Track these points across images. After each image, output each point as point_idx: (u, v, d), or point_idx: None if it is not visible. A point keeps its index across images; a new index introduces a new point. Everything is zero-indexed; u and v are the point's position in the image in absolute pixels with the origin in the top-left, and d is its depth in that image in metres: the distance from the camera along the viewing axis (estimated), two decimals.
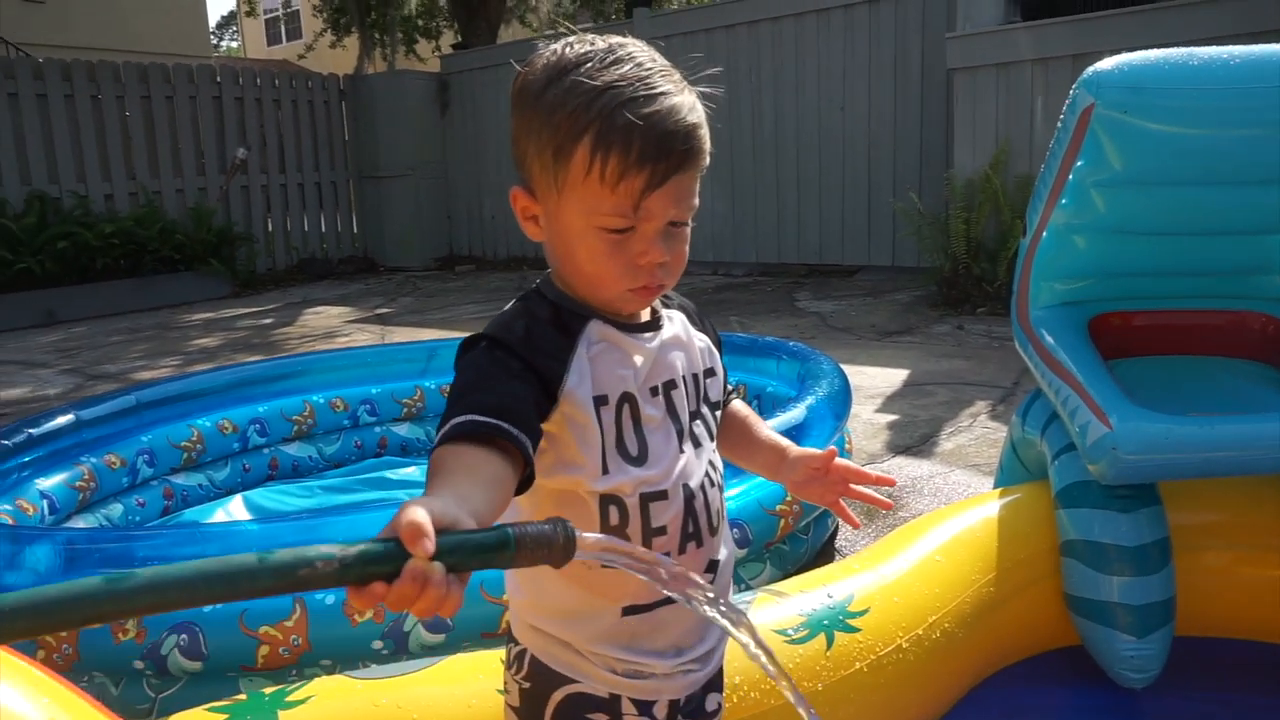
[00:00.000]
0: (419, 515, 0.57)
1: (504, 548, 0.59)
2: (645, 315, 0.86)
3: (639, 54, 0.78)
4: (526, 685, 0.87)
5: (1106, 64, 1.32)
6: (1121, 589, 1.41)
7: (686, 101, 0.77)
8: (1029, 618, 1.52)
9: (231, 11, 21.63)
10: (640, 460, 0.81)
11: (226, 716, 1.16)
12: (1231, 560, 1.52)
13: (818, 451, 0.95)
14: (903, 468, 2.75)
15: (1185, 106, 1.27)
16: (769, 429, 1.01)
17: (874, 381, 3.77)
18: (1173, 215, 1.52)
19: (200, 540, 1.94)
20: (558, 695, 0.85)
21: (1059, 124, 1.44)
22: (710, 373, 0.90)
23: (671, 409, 0.84)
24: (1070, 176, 1.46)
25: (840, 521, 2.29)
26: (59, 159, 7.42)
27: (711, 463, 0.88)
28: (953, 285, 5.33)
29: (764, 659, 0.70)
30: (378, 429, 3.24)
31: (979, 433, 3.03)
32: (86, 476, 2.51)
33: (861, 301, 5.78)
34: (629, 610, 0.83)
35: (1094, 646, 1.46)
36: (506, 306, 0.84)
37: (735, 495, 1.87)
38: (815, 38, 6.73)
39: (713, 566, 0.87)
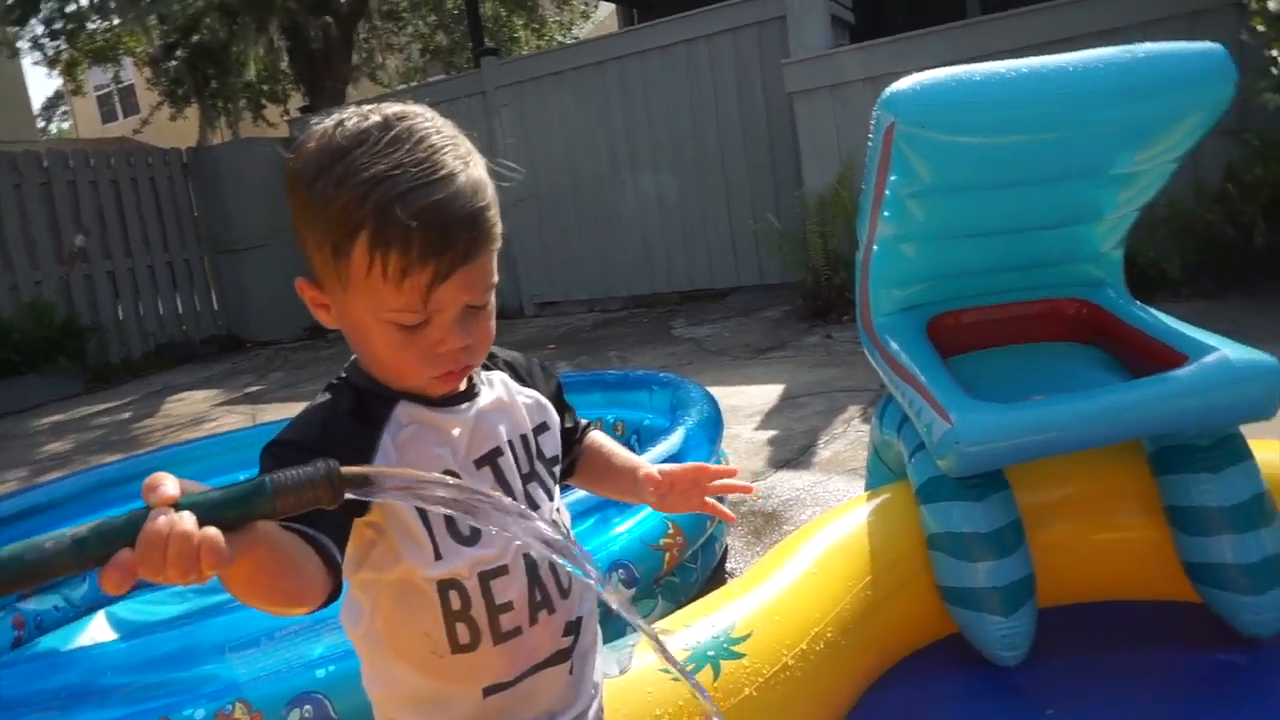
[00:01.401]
0: (158, 474, 0.55)
1: (259, 492, 0.56)
2: (462, 385, 0.84)
3: (420, 128, 0.73)
4: None
5: (901, 85, 1.41)
6: (985, 573, 1.48)
7: (470, 182, 0.73)
8: (908, 614, 1.57)
9: (59, 91, 20.48)
10: (473, 539, 0.79)
11: None
12: (1078, 529, 1.62)
13: (651, 472, 0.95)
14: (785, 481, 2.82)
15: (974, 119, 1.37)
16: (624, 454, 1.00)
17: (751, 400, 3.86)
18: (982, 217, 1.63)
19: (61, 668, 1.79)
20: None
21: (868, 143, 1.53)
22: (543, 428, 0.89)
23: (500, 479, 0.82)
24: (886, 191, 1.55)
25: (727, 545, 2.34)
26: None
27: (554, 523, 0.86)
28: (817, 297, 5.54)
29: (603, 590, 0.72)
30: None
31: (853, 437, 3.14)
32: None
33: (735, 323, 5.93)
34: (490, 690, 0.81)
35: (969, 632, 1.53)
36: (315, 400, 0.81)
37: (616, 535, 1.87)
38: (660, 73, 6.92)
39: (572, 628, 0.86)
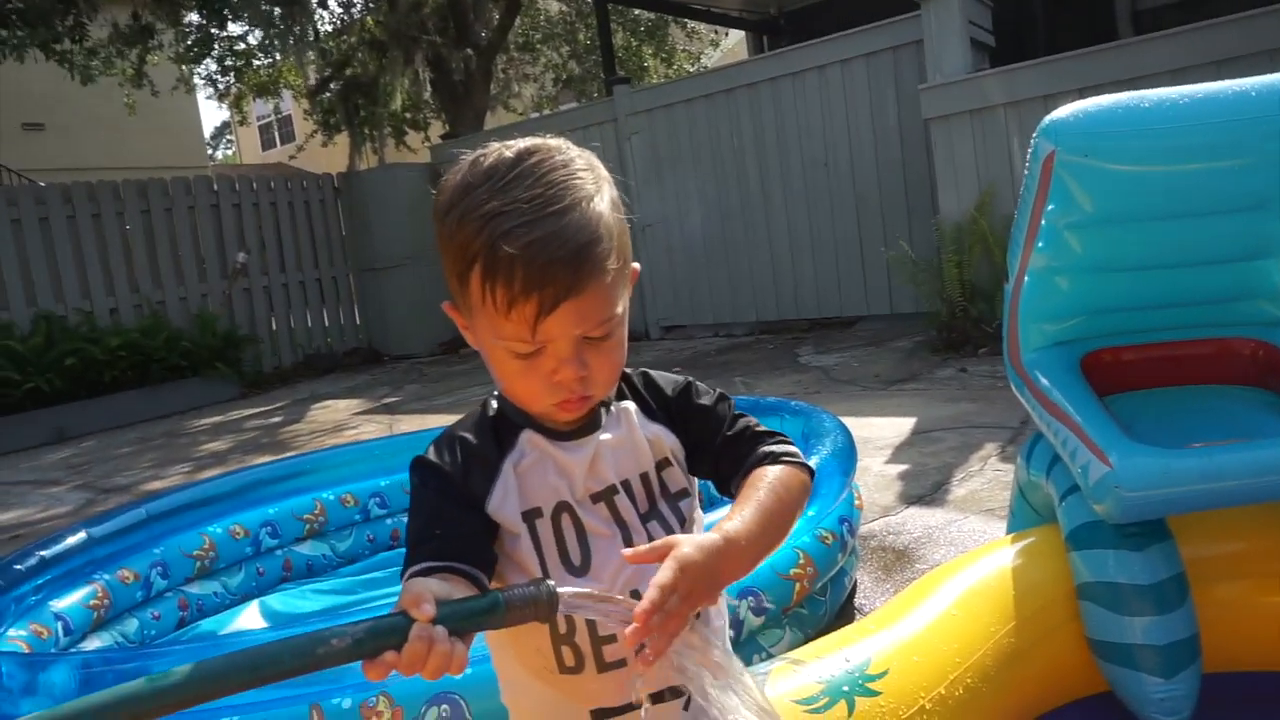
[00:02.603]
0: (419, 586, 0.67)
1: (494, 609, 0.68)
2: (585, 415, 0.85)
3: (547, 164, 0.76)
4: None
5: (1063, 111, 1.36)
6: (1143, 629, 1.39)
7: (582, 217, 0.74)
8: (1053, 666, 1.49)
9: (226, 121, 22.33)
10: (583, 570, 0.81)
11: None
12: (1250, 590, 1.49)
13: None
14: (917, 518, 2.73)
15: (1142, 146, 1.30)
16: (743, 507, 0.80)
17: (882, 432, 3.76)
18: (1147, 249, 1.54)
19: (221, 649, 1.93)
20: None
21: (1025, 171, 1.48)
22: (665, 463, 0.87)
23: (616, 516, 0.83)
24: (1043, 221, 1.49)
25: (856, 580, 2.28)
26: (64, 278, 7.58)
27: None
28: (952, 329, 5.36)
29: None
30: (389, 521, 3.23)
31: (990, 476, 3.01)
32: (100, 594, 2.51)
33: (863, 352, 5.80)
34: (599, 713, 0.83)
35: (1123, 691, 1.44)
36: (464, 417, 0.88)
37: None
38: (793, 100, 6.90)
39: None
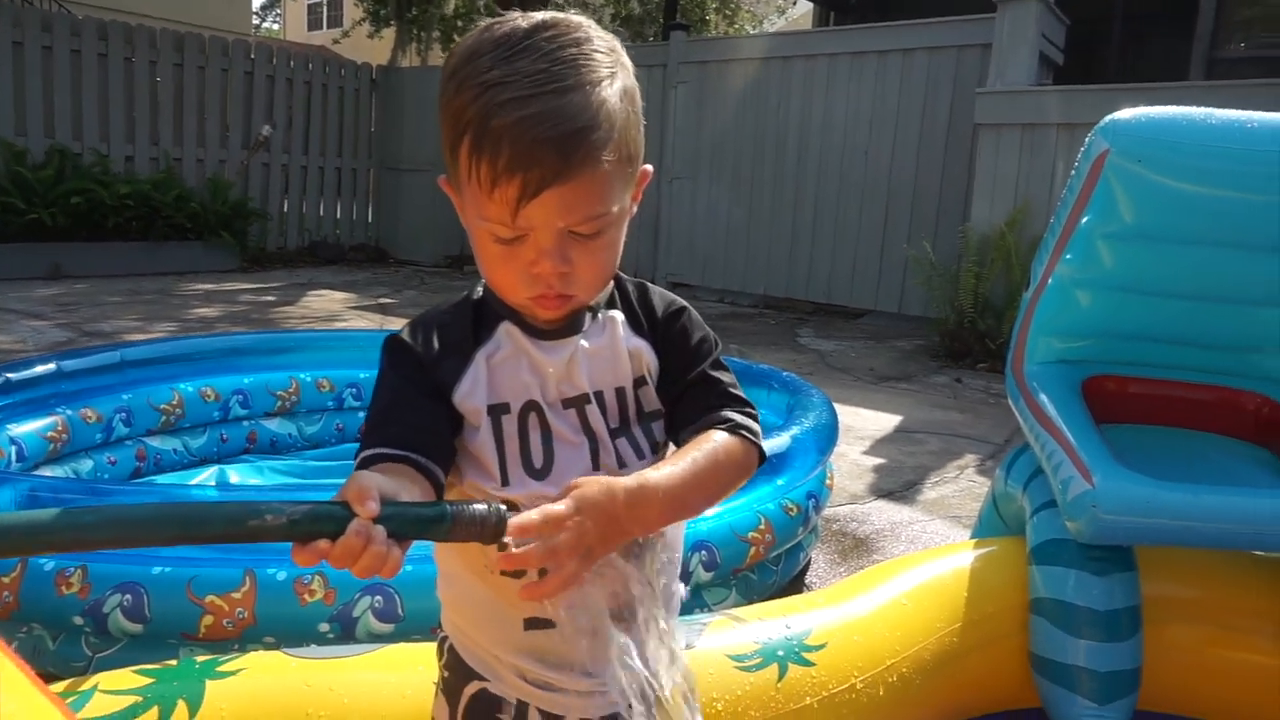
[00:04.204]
0: (367, 480, 0.62)
1: (440, 521, 0.64)
2: (561, 314, 0.79)
3: (560, 39, 0.70)
4: (446, 674, 0.85)
5: (1126, 113, 1.30)
6: (1088, 653, 1.37)
7: (584, 101, 0.68)
8: (990, 673, 1.47)
9: None
10: (543, 474, 0.77)
11: (153, 680, 1.12)
12: (1201, 638, 1.47)
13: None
14: (883, 511, 2.71)
15: (1199, 165, 1.25)
16: (677, 462, 0.74)
17: (865, 423, 3.73)
18: (1177, 276, 1.49)
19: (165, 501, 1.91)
20: (469, 689, 0.83)
21: (1072, 172, 1.42)
22: (642, 381, 0.82)
23: (586, 426, 0.78)
24: (1079, 224, 1.44)
25: (811, 558, 2.27)
26: (85, 116, 7.45)
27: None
28: (956, 338, 5.31)
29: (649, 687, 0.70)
30: (361, 415, 3.20)
31: (964, 485, 2.99)
32: (59, 428, 2.48)
33: (863, 344, 5.76)
34: (531, 624, 0.79)
35: (1054, 709, 1.42)
36: (447, 300, 0.83)
37: (709, 517, 1.83)
38: (847, 80, 6.76)
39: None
